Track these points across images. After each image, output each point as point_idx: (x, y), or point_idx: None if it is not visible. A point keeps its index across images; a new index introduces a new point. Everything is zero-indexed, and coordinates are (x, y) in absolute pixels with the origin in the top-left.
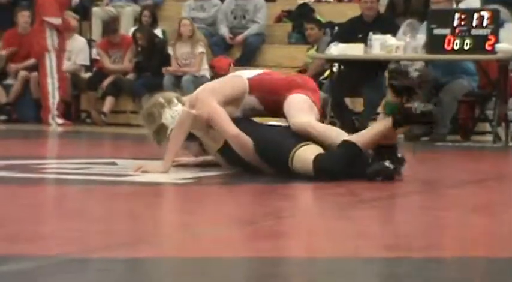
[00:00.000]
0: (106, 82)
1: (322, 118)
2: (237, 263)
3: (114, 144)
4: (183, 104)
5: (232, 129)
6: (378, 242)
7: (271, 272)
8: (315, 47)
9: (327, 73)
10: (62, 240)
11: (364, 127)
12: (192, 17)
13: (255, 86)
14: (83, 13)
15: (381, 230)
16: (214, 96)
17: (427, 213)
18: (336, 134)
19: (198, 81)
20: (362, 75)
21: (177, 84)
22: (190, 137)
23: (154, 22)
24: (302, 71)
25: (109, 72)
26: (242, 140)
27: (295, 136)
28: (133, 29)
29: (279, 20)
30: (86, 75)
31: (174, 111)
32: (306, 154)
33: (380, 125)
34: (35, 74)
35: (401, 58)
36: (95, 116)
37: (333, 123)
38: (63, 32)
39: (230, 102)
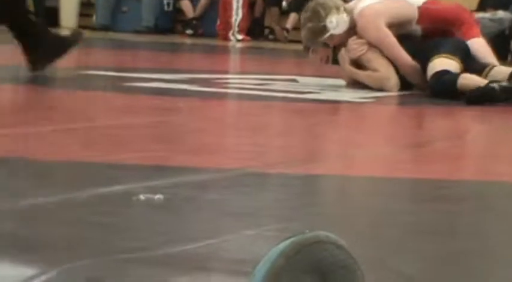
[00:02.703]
0: None
1: None
2: (409, 184)
3: (296, 62)
4: (348, 14)
5: (407, 58)
6: None
7: (443, 193)
8: None
9: None
10: (241, 154)
11: None
12: None
13: (424, 15)
14: None
15: None
16: (381, 18)
17: None
18: None
19: None
20: None
21: None
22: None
23: None
24: None
25: None
26: (416, 68)
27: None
28: None
29: None
30: None
31: (341, 17)
32: (437, 65)
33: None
34: None
35: None
36: (278, 32)
37: None
38: None
39: (395, 25)
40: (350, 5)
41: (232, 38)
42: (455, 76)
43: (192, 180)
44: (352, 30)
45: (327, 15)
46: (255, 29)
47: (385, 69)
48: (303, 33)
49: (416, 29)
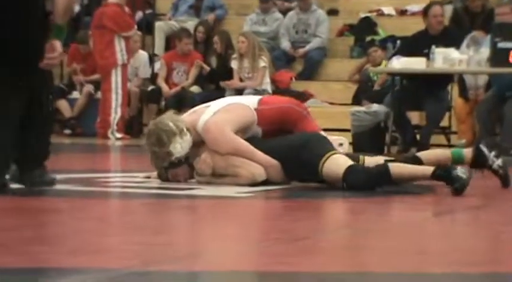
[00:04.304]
0: (168, 95)
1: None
2: (289, 279)
3: None
4: (191, 134)
5: (267, 158)
6: (438, 258)
7: None
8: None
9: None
10: (123, 253)
11: (426, 142)
12: (254, 30)
13: (261, 117)
14: (146, 27)
15: (442, 245)
16: (227, 128)
17: (490, 228)
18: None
19: (260, 95)
20: (424, 89)
21: None
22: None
23: (208, 38)
24: (361, 82)
25: (169, 86)
26: (278, 167)
27: (317, 146)
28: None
29: (341, 34)
30: (150, 88)
31: (184, 142)
32: (338, 163)
33: (422, 170)
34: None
35: (464, 72)
36: None
37: (394, 138)
38: (130, 46)
39: (240, 131)
40: (192, 120)
41: (111, 136)
42: (385, 166)
43: (73, 281)
44: (197, 144)
45: (170, 142)
46: (132, 126)
47: (246, 166)
48: (150, 156)
49: (258, 130)
